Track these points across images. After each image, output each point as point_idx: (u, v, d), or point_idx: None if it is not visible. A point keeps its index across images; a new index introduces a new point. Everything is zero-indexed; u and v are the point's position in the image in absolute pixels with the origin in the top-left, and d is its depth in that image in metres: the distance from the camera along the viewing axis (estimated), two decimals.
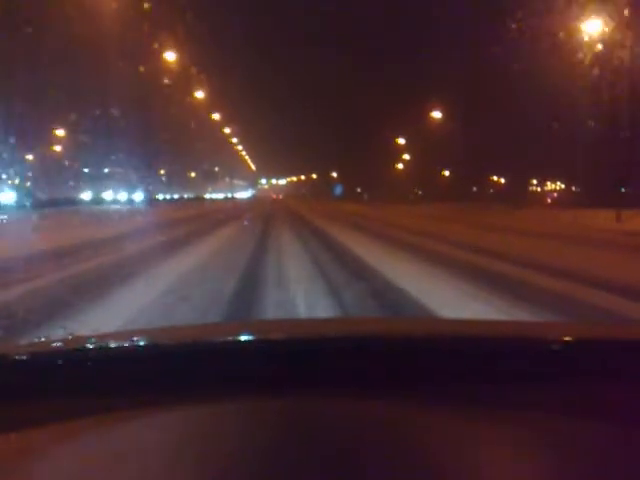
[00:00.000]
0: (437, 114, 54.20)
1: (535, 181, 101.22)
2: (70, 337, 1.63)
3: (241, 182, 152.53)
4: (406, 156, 71.09)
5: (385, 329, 1.40)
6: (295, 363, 1.08)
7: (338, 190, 75.17)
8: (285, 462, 0.75)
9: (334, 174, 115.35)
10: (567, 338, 1.22)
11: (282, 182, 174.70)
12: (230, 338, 1.23)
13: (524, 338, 1.23)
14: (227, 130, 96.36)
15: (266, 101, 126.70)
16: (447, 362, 1.10)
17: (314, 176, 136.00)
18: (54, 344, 1.25)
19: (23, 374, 1.06)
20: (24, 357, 1.08)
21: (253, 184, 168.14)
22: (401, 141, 67.13)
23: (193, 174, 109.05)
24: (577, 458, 0.81)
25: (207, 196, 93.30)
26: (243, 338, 1.23)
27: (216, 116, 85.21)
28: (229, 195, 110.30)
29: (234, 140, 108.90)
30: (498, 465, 0.79)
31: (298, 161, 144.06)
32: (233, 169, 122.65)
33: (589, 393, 1.04)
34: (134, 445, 0.85)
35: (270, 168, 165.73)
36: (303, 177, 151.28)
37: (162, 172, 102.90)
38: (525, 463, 0.79)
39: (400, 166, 74.66)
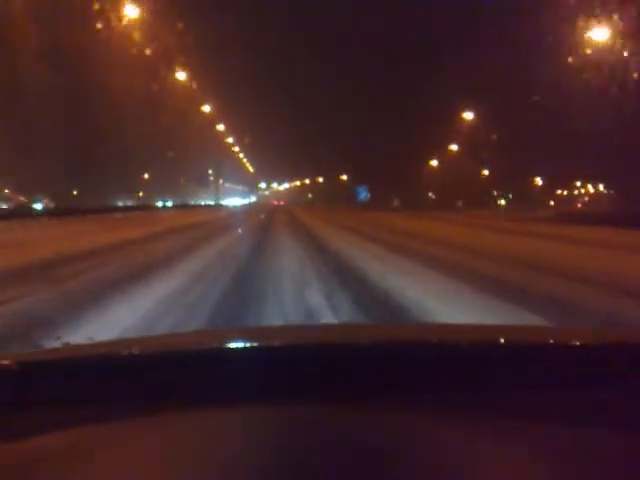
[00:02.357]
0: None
1: (579, 183, 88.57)
2: (68, 346, 1.59)
3: (239, 187, 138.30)
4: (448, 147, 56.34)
5: (386, 336, 1.38)
6: (296, 370, 1.08)
7: (362, 195, 57.66)
8: (286, 470, 0.76)
9: (344, 177, 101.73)
10: (568, 344, 1.22)
11: (285, 186, 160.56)
12: (230, 345, 1.22)
13: (525, 344, 1.23)
14: (226, 135, 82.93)
15: (265, 99, 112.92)
16: (448, 369, 1.10)
17: (320, 180, 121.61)
18: (54, 352, 1.25)
19: (23, 384, 1.05)
20: (24, 366, 1.07)
21: (254, 189, 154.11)
22: (468, 115, 50.00)
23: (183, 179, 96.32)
24: (577, 465, 0.80)
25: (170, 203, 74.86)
26: (244, 345, 1.21)
27: (210, 113, 72.20)
28: (210, 203, 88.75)
29: (229, 139, 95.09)
30: (497, 472, 0.78)
31: (301, 164, 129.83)
32: (227, 172, 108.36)
33: (590, 399, 1.04)
34: (134, 453, 0.85)
35: (270, 171, 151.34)
36: (307, 181, 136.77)
37: (146, 176, 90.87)
38: (526, 471, 0.78)
39: (434, 163, 60.97)
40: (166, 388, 1.04)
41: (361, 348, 1.17)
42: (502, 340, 1.27)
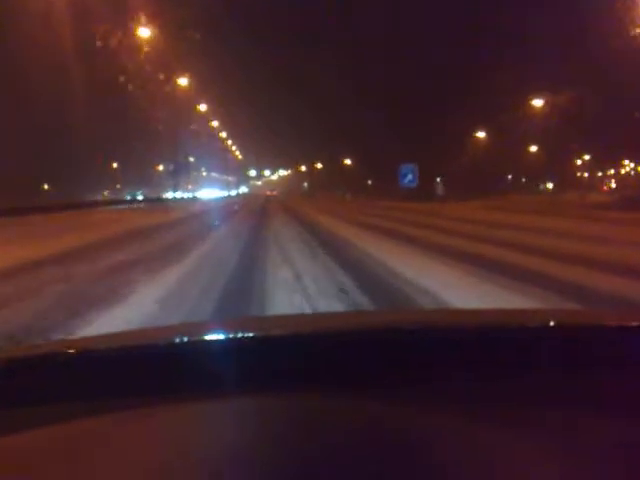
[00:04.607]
0: None
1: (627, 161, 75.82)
2: (55, 342, 1.62)
3: (228, 177, 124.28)
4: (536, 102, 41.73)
5: (385, 321, 1.37)
6: (295, 359, 1.07)
7: (409, 177, 39.93)
8: (284, 460, 0.76)
9: (348, 161, 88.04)
10: (574, 326, 1.21)
11: (280, 174, 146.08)
12: (230, 335, 1.21)
13: (528, 328, 1.20)
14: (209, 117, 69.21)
15: (253, 83, 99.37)
16: (450, 355, 1.07)
17: (319, 166, 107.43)
18: (54, 347, 1.25)
19: (23, 378, 1.06)
20: (24, 361, 1.09)
21: (244, 179, 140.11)
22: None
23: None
24: (583, 453, 0.78)
25: None
26: (244, 335, 1.20)
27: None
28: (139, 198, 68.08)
29: (213, 121, 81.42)
30: (501, 463, 0.77)
31: (296, 150, 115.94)
32: (210, 160, 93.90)
33: (596, 384, 1.01)
34: (136, 445, 0.85)
35: (262, 159, 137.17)
36: (304, 168, 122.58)
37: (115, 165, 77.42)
38: (531, 461, 0.77)
39: (482, 135, 47.16)
40: (162, 381, 1.02)
41: (361, 334, 1.14)
42: (507, 324, 1.24)
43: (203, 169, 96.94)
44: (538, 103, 41.91)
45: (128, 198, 61.57)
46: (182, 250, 11.45)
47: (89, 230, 18.01)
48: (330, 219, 21.60)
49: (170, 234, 16.15)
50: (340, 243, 12.77)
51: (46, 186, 64.76)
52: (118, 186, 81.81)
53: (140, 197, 67.66)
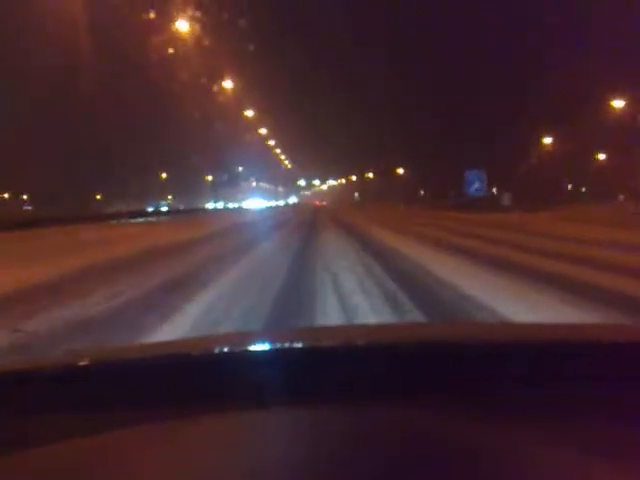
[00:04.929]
0: None
1: None
2: (107, 348, 1.65)
3: (278, 187, 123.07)
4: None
5: (439, 335, 1.37)
6: (347, 371, 1.06)
7: (476, 185, 36.78)
8: (334, 473, 0.75)
9: (400, 171, 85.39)
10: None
11: (332, 184, 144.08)
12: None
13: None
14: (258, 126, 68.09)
15: (302, 91, 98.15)
16: (508, 369, 1.06)
17: (370, 176, 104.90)
18: (84, 356, 1.25)
19: (75, 385, 1.07)
20: (57, 370, 1.10)
21: (293, 188, 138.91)
22: None
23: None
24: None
25: None
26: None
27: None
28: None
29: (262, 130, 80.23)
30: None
31: (345, 161, 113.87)
32: (256, 168, 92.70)
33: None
34: (182, 454, 0.84)
35: (310, 168, 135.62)
36: (354, 178, 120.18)
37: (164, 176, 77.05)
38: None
39: (548, 140, 43.85)
40: (192, 392, 1.03)
41: (415, 348, 1.14)
42: (568, 339, 1.20)
43: (253, 179, 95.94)
44: (615, 104, 38.38)
45: (150, 210, 57.76)
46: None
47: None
48: (389, 234, 19.00)
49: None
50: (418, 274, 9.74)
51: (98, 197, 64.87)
52: (169, 197, 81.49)
53: (164, 208, 65.45)
